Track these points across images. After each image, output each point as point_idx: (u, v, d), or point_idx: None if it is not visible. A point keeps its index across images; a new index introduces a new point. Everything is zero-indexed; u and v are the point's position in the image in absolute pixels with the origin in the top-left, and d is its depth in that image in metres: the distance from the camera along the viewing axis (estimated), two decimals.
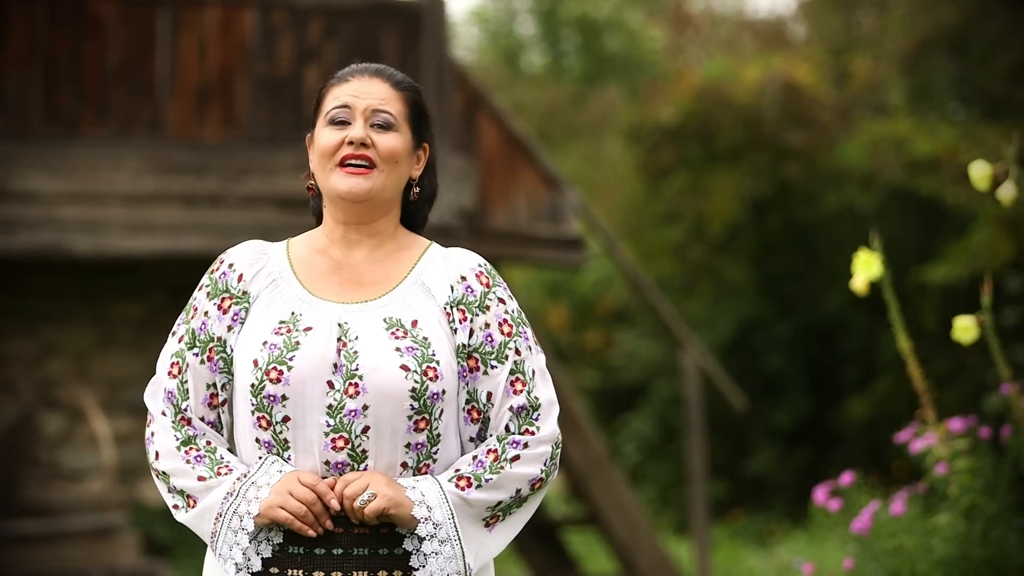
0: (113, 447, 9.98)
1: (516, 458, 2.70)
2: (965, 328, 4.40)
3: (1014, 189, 4.35)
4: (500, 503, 2.70)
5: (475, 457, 2.71)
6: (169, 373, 2.77)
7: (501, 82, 22.62)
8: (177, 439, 2.73)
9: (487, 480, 2.68)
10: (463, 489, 2.67)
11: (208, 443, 2.73)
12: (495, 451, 2.71)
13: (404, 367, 2.65)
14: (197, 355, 2.75)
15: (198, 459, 2.71)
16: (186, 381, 2.75)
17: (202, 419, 2.75)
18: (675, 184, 16.31)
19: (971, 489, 4.38)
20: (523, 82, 24.88)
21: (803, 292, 16.52)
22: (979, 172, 4.37)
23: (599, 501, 10.92)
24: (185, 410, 2.75)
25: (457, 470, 2.69)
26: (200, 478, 2.70)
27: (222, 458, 2.72)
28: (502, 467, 2.69)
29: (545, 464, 2.73)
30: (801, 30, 21.58)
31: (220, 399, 2.76)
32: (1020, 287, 12.95)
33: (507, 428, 2.72)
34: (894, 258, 5.94)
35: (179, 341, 2.78)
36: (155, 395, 2.79)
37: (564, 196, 11.06)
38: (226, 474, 2.69)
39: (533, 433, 2.72)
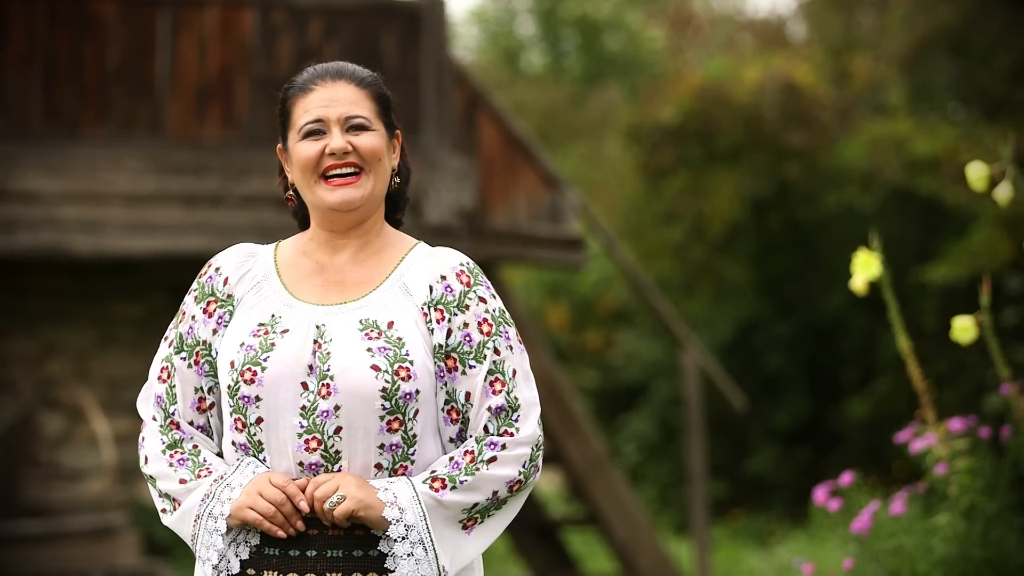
0: (113, 447, 9.99)
1: (493, 459, 2.68)
2: (964, 328, 4.40)
3: (1011, 189, 4.35)
4: (476, 505, 2.68)
5: (452, 458, 2.69)
6: (159, 378, 2.79)
7: (501, 82, 22.62)
8: (164, 443, 2.75)
9: (462, 481, 2.66)
10: (437, 491, 2.65)
11: (194, 447, 2.75)
12: (472, 452, 2.69)
13: (375, 367, 2.65)
14: (184, 359, 2.77)
15: (181, 462, 2.73)
16: (174, 385, 2.77)
17: (191, 423, 2.76)
18: (675, 184, 16.31)
19: (971, 489, 4.38)
20: (523, 82, 24.88)
21: (803, 292, 16.53)
22: (976, 173, 4.37)
23: (599, 501, 10.92)
24: (173, 414, 2.76)
25: (433, 471, 2.68)
26: (182, 481, 2.71)
27: (205, 461, 2.72)
28: (478, 468, 2.67)
29: (524, 466, 2.70)
30: (801, 30, 21.58)
31: (208, 403, 2.77)
32: (1020, 287, 12.95)
33: (486, 429, 2.71)
34: (894, 258, 5.94)
35: (169, 346, 2.80)
36: (146, 400, 2.80)
37: (564, 196, 11.06)
38: (206, 476, 2.70)
39: (512, 434, 2.70)
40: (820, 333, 16.38)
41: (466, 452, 2.69)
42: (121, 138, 9.85)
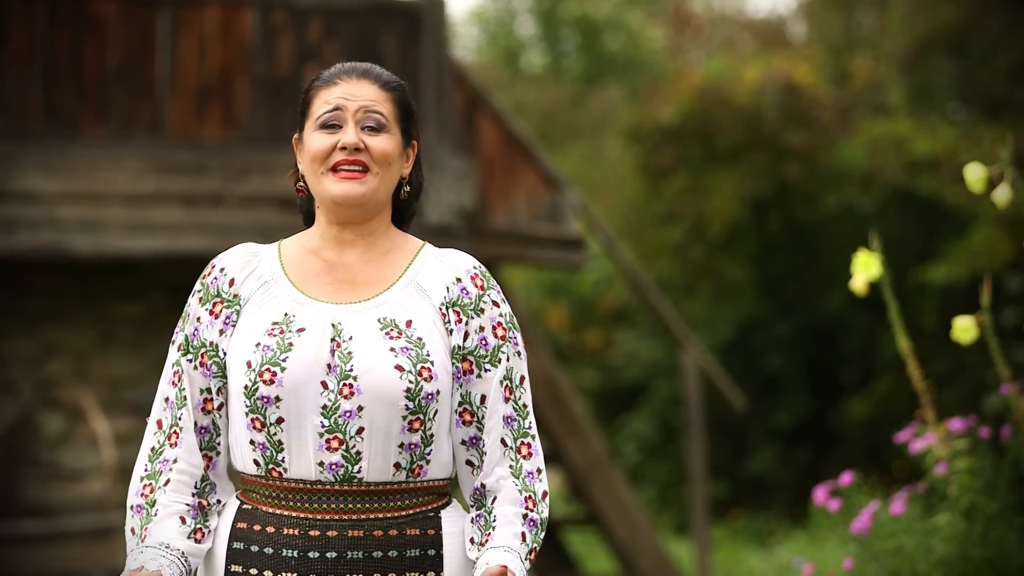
0: (113, 447, 9.99)
1: (544, 518, 2.81)
2: (964, 328, 4.40)
3: (1009, 191, 4.35)
4: None
5: (521, 535, 2.78)
6: (171, 382, 2.78)
7: (501, 82, 22.62)
8: (145, 471, 2.76)
9: (532, 550, 2.82)
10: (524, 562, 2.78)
11: (166, 481, 2.73)
12: (535, 522, 2.78)
13: (399, 367, 2.65)
14: (191, 361, 2.76)
15: (138, 509, 2.73)
16: (184, 388, 2.76)
17: (196, 424, 2.75)
18: (675, 184, 16.32)
19: (971, 489, 4.38)
20: (523, 82, 24.88)
21: (803, 292, 16.53)
22: (974, 174, 4.37)
23: (599, 501, 10.92)
24: (180, 418, 2.75)
25: (523, 541, 2.78)
26: (132, 531, 2.73)
27: (156, 513, 2.72)
28: (541, 537, 2.81)
29: None
30: (801, 30, 21.59)
31: (215, 403, 2.76)
32: (1020, 287, 12.96)
33: (503, 442, 2.75)
34: (894, 258, 5.94)
35: (177, 350, 2.79)
36: (157, 403, 2.80)
37: (564, 196, 11.06)
38: (140, 542, 2.70)
39: (529, 455, 2.78)
40: (820, 333, 16.38)
41: (529, 521, 2.78)
42: (121, 138, 9.85)
